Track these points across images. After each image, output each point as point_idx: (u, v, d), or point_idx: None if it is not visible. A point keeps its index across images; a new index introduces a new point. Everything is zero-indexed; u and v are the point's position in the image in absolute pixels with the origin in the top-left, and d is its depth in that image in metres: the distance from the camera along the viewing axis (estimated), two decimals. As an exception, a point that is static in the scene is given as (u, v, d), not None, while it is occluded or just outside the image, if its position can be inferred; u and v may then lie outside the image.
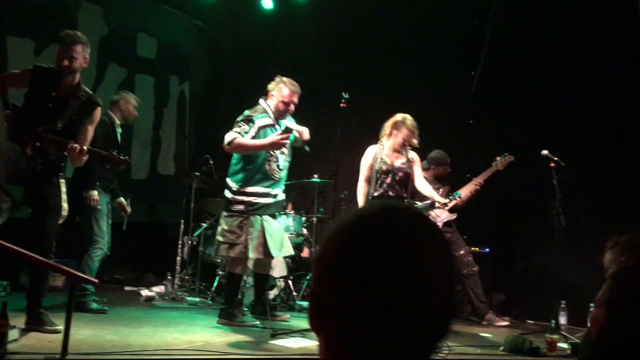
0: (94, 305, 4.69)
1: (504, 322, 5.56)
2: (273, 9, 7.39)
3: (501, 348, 4.11)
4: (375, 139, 5.64)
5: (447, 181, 5.97)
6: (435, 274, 0.79)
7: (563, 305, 5.11)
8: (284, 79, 4.69)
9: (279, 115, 4.68)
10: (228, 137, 4.46)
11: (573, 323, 4.96)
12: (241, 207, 4.54)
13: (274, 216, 4.75)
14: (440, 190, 5.85)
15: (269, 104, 4.72)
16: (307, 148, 4.74)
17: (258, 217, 4.55)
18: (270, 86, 4.72)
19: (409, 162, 5.21)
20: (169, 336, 3.86)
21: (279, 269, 5.66)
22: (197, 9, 7.65)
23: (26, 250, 3.28)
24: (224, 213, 4.67)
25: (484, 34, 6.24)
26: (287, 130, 4.56)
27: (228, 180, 4.67)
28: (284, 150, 4.64)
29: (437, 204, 5.30)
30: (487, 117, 6.38)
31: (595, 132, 5.67)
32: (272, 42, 7.42)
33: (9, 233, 3.61)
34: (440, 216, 5.71)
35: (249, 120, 4.56)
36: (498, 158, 5.66)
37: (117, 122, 5.16)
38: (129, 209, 5.37)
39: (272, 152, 4.59)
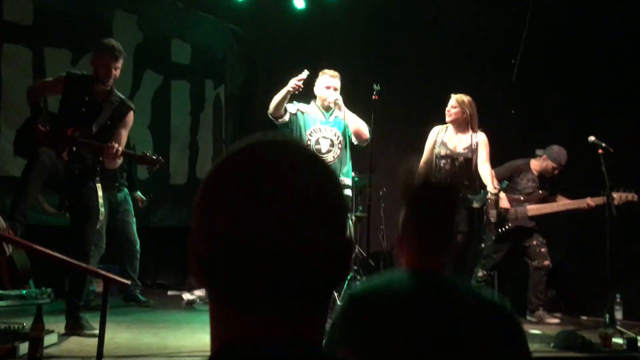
0: (140, 297, 4.85)
1: (554, 319, 5.31)
2: (305, 9, 7.34)
3: (552, 344, 3.90)
4: (412, 131, 5.48)
5: (549, 185, 5.57)
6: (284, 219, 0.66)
7: (618, 299, 4.85)
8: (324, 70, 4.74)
9: (324, 100, 4.67)
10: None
11: (629, 317, 4.69)
12: None
13: None
14: (539, 192, 5.50)
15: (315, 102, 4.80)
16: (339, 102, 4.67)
17: None
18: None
19: (473, 145, 4.76)
20: (206, 337, 3.75)
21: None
22: (230, 13, 7.65)
23: (65, 255, 3.30)
24: None
25: (524, 21, 6.00)
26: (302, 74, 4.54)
27: None
28: (327, 136, 4.62)
29: (489, 195, 4.64)
30: (529, 105, 6.13)
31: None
32: (305, 41, 7.37)
33: (49, 240, 3.65)
34: (525, 214, 5.42)
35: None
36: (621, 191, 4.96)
37: None
38: (141, 205, 5.56)
39: (308, 137, 4.59)
